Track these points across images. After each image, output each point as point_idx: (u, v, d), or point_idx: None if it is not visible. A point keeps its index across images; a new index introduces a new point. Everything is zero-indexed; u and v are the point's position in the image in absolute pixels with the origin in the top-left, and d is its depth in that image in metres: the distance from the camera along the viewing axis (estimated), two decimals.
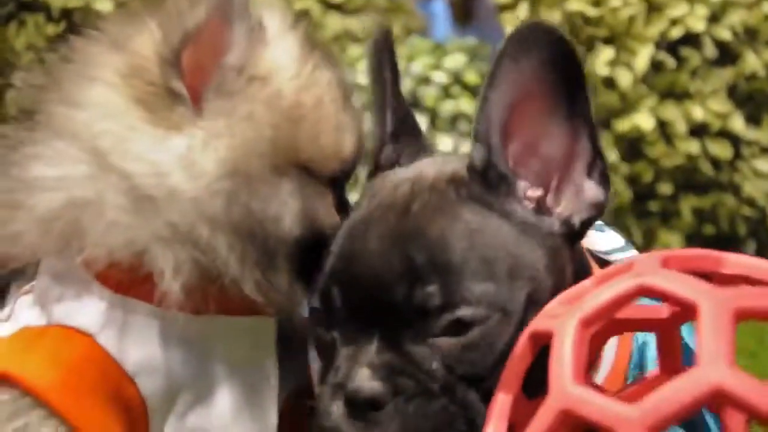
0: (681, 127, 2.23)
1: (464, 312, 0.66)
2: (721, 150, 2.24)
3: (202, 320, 0.72)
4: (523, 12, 2.42)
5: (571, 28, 2.29)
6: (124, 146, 0.69)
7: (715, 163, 2.27)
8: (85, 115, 0.71)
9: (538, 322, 0.62)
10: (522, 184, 0.72)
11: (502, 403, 0.62)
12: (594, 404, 0.53)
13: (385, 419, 0.67)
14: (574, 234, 0.72)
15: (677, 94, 2.25)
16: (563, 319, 0.58)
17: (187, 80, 0.70)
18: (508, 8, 2.52)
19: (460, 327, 0.67)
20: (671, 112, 2.23)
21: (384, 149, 0.80)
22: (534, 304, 0.67)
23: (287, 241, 0.72)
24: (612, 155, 2.26)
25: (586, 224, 0.73)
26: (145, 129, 0.70)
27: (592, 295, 0.59)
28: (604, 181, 0.72)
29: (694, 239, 2.30)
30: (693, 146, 2.23)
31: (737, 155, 2.30)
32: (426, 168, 0.76)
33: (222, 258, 0.70)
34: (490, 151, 0.71)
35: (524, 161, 0.72)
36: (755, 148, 2.30)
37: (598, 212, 0.73)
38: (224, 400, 0.75)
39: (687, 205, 2.28)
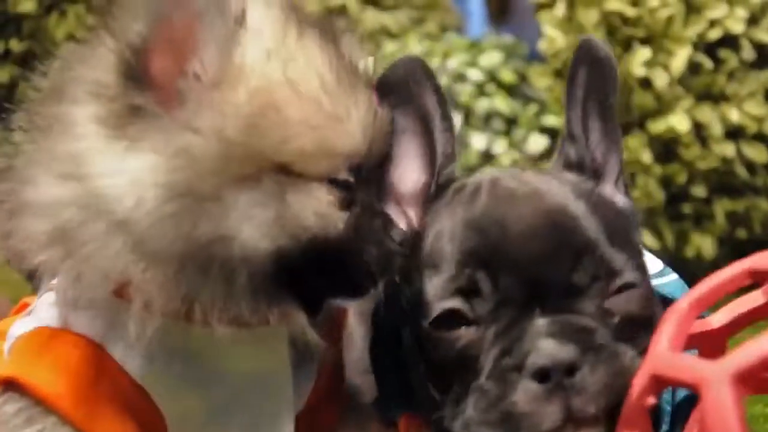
0: (717, 129, 2.21)
1: (628, 277, 0.69)
2: (757, 153, 2.23)
3: (202, 331, 0.70)
4: (560, 10, 2.41)
5: (608, 28, 2.28)
6: (94, 168, 0.65)
7: (750, 166, 2.25)
8: (62, 135, 0.68)
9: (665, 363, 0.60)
10: None
11: None
12: (678, 364, 0.54)
13: (587, 382, 0.64)
14: None
15: (714, 96, 2.24)
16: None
17: (158, 90, 0.65)
18: (544, 6, 2.50)
19: (622, 290, 0.69)
20: (707, 114, 2.22)
21: (443, 173, 0.81)
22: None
23: (252, 259, 0.67)
24: (646, 156, 2.25)
25: None
26: (110, 148, 0.65)
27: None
28: (628, 195, 0.80)
29: (726, 243, 2.28)
30: (728, 149, 2.21)
31: None
32: (506, 172, 0.80)
33: (170, 293, 0.66)
34: (584, 146, 0.78)
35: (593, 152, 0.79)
36: None
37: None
38: (239, 411, 0.74)
39: (721, 208, 2.26)
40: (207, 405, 0.72)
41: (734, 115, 2.20)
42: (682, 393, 0.74)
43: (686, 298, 0.63)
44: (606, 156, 0.80)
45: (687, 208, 2.28)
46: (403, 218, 0.80)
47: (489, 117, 2.85)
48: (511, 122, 2.86)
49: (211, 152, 0.64)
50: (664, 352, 0.57)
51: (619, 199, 0.79)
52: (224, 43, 0.66)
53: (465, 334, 0.69)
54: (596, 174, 0.79)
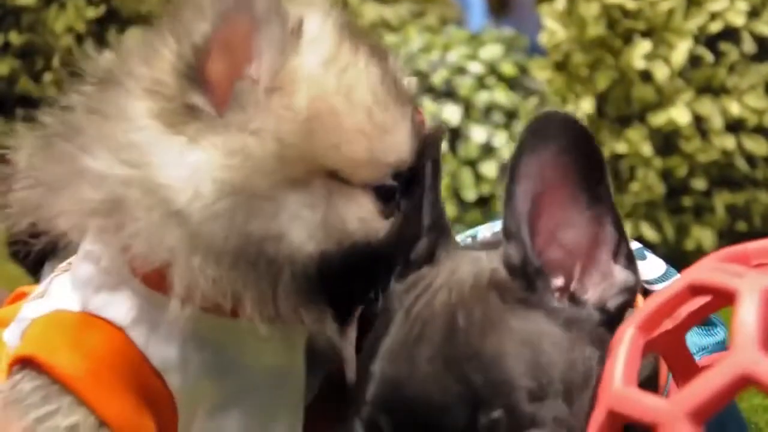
0: (717, 122, 2.21)
1: None
2: (757, 146, 2.23)
3: (230, 324, 0.72)
4: (560, 3, 2.41)
5: (608, 21, 2.28)
6: (154, 159, 0.68)
7: (750, 159, 2.25)
8: (115, 125, 0.70)
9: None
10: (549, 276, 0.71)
11: None
12: (635, 401, 0.54)
13: None
14: (612, 320, 0.70)
15: (714, 89, 2.24)
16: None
17: (213, 92, 0.68)
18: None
19: None
20: (707, 107, 2.22)
21: (418, 244, 0.76)
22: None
23: (297, 259, 0.69)
24: (646, 149, 2.25)
25: (622, 309, 0.71)
26: (170, 143, 0.68)
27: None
28: (631, 264, 0.72)
29: (726, 236, 2.29)
30: (729, 142, 2.21)
31: None
32: (461, 270, 0.73)
33: (220, 287, 0.68)
34: (524, 246, 0.70)
35: (547, 252, 0.72)
36: None
37: (631, 296, 0.72)
38: (249, 401, 0.75)
39: (721, 201, 2.27)
40: (219, 393, 0.74)
41: (735, 108, 2.20)
42: None
43: (631, 322, 0.60)
44: (594, 234, 0.71)
45: (687, 201, 2.28)
46: None
47: (489, 110, 2.85)
48: (511, 115, 2.86)
49: (268, 153, 0.67)
50: (620, 388, 0.56)
51: (618, 274, 0.71)
52: (282, 49, 0.68)
53: None
54: (560, 273, 0.71)
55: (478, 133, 2.81)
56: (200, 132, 0.67)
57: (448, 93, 2.83)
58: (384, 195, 0.73)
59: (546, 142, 0.70)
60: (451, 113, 2.77)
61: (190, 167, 0.67)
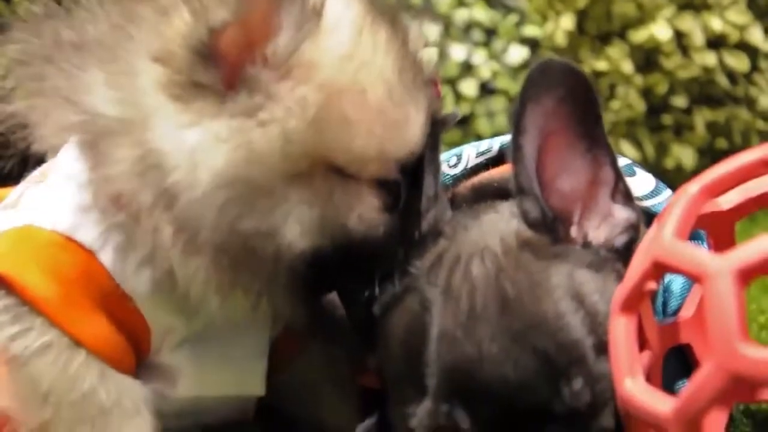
0: (698, 38, 2.19)
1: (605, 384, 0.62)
2: (738, 62, 2.21)
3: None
4: None
5: None
6: (156, 126, 0.65)
7: (731, 75, 2.24)
8: (122, 68, 0.68)
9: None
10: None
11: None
12: (683, 254, 0.54)
13: None
14: (624, 258, 0.69)
15: (695, 5, 2.21)
16: None
17: (224, 71, 0.65)
18: None
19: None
20: (688, 23, 2.20)
21: (426, 217, 0.75)
22: None
23: (286, 256, 0.67)
24: (627, 66, 2.23)
25: (629, 246, 0.71)
26: (173, 115, 0.65)
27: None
28: (630, 201, 0.72)
29: (706, 153, 2.29)
30: (709, 58, 2.20)
31: (754, 68, 2.27)
32: (483, 237, 0.71)
33: (197, 281, 0.67)
34: (538, 199, 0.70)
35: (550, 201, 0.71)
36: None
37: (635, 232, 0.71)
38: (215, 339, 0.75)
39: (701, 118, 2.26)
40: (188, 328, 0.74)
41: (716, 24, 2.18)
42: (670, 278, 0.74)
43: (698, 181, 0.60)
44: (593, 176, 0.71)
45: (667, 119, 2.28)
46: None
47: (468, 28, 2.82)
48: (490, 33, 2.83)
49: (272, 146, 0.64)
50: (669, 239, 0.57)
51: (619, 213, 0.72)
52: (299, 34, 0.65)
53: None
54: (565, 219, 0.71)
55: (457, 52, 2.78)
56: (205, 112, 0.64)
57: (426, 10, 2.79)
58: (389, 189, 0.70)
59: (548, 91, 0.70)
60: (430, 31, 2.73)
61: (189, 147, 0.64)
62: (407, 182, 0.72)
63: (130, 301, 0.71)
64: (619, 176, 0.72)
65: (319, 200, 0.66)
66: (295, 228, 0.66)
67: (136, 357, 0.73)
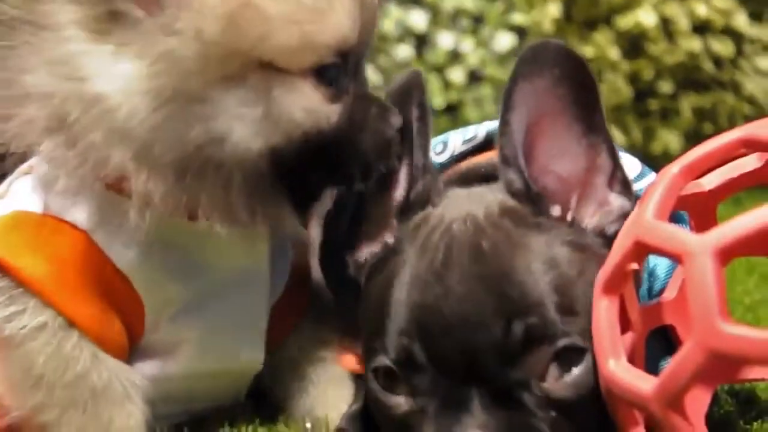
0: (683, 23, 2.20)
1: (565, 341, 0.63)
2: (723, 47, 2.23)
3: (192, 227, 0.71)
4: None
5: None
6: (87, 71, 0.66)
7: (717, 60, 2.25)
8: (50, 34, 0.68)
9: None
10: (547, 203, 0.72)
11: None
12: (663, 233, 0.55)
13: None
14: (610, 245, 0.69)
15: None
16: None
17: None
18: None
19: (563, 363, 0.64)
20: (674, 9, 2.21)
21: (415, 186, 0.76)
22: None
23: (246, 159, 0.68)
24: (613, 52, 2.24)
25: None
26: (98, 52, 0.66)
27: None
28: (627, 190, 0.72)
29: (693, 138, 2.30)
30: (695, 44, 2.21)
31: (739, 53, 2.28)
32: (468, 204, 0.73)
33: (174, 197, 0.68)
34: (522, 171, 0.71)
35: (543, 180, 0.72)
36: (757, 46, 2.28)
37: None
38: (215, 303, 0.75)
39: (687, 103, 2.27)
40: (185, 295, 0.74)
41: (701, 9, 2.20)
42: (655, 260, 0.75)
43: (678, 163, 0.62)
44: (590, 162, 0.72)
45: (654, 105, 2.29)
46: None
47: (456, 15, 2.82)
48: (478, 20, 2.84)
49: (192, 53, 0.65)
50: (650, 220, 0.58)
51: (614, 201, 0.72)
52: None
53: (404, 403, 0.67)
54: (561, 202, 0.71)
55: (445, 39, 2.78)
56: (125, 39, 0.66)
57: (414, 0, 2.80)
58: (327, 78, 0.70)
59: (541, 71, 0.70)
60: (418, 19, 2.74)
61: (121, 78, 0.65)
62: (350, 71, 0.72)
63: (125, 278, 0.72)
64: (616, 164, 0.72)
65: (259, 99, 0.67)
66: (242, 129, 0.67)
67: (129, 340, 0.74)
